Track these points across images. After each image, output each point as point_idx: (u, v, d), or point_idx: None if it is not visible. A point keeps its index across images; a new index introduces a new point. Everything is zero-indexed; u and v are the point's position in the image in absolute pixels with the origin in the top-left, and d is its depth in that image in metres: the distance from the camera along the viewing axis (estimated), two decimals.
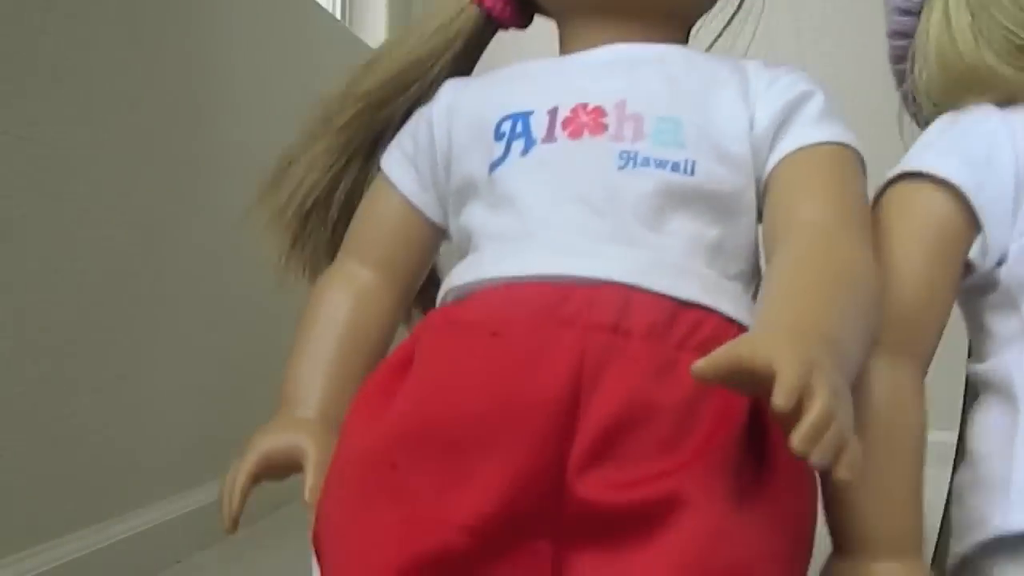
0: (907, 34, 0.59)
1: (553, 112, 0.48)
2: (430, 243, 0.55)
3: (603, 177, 0.46)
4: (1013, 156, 0.51)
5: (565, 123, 0.47)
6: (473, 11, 0.57)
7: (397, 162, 0.55)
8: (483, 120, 0.50)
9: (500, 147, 0.49)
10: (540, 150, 0.47)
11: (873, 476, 0.44)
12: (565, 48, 0.55)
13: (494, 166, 0.49)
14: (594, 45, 0.52)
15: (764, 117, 0.48)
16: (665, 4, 0.52)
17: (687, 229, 0.46)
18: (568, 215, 0.46)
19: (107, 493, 1.02)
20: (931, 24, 0.56)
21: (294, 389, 0.53)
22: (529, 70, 0.53)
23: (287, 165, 0.58)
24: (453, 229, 0.53)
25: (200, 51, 1.23)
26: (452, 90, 0.54)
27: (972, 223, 0.50)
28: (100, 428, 1.00)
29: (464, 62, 0.58)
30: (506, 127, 0.49)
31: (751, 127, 0.48)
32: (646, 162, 0.46)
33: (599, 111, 0.47)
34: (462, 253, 0.51)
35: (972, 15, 0.53)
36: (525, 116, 0.48)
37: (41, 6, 0.91)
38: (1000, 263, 0.51)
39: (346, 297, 0.54)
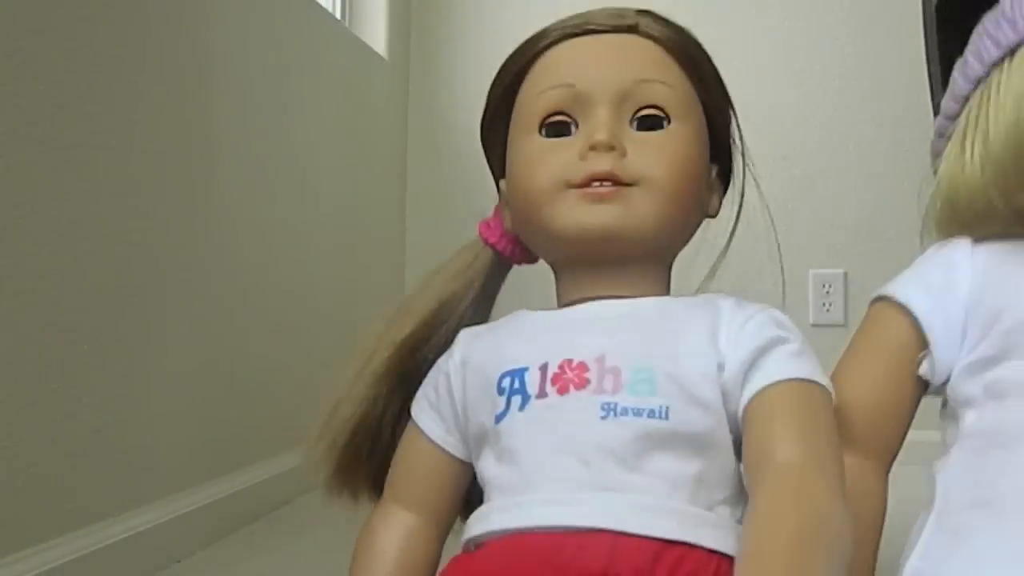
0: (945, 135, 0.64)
1: (544, 368, 0.55)
2: (462, 479, 0.62)
3: (588, 429, 0.52)
4: (968, 288, 0.57)
5: (554, 379, 0.54)
6: (488, 253, 0.67)
7: (423, 410, 0.62)
8: (488, 376, 0.57)
9: (502, 402, 0.55)
10: (535, 406, 0.54)
11: None
12: (562, 298, 0.63)
13: (498, 419, 0.55)
14: (584, 296, 0.59)
15: (735, 361, 0.53)
16: (638, 249, 0.58)
17: (667, 468, 0.51)
18: (560, 467, 0.51)
19: (107, 493, 1.02)
20: (949, 152, 0.61)
21: None
22: (527, 325, 0.60)
23: (336, 405, 0.66)
24: (476, 469, 0.59)
25: (200, 51, 1.23)
26: (464, 343, 0.62)
27: (924, 344, 0.58)
28: (100, 428, 1.00)
29: (484, 298, 0.67)
30: (506, 383, 0.55)
31: (721, 371, 0.53)
32: (624, 411, 0.52)
33: (582, 366, 0.54)
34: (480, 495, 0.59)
35: (985, 147, 0.58)
36: (520, 372, 0.55)
37: (41, 6, 0.91)
38: (947, 381, 0.57)
39: (392, 541, 0.60)
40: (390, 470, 0.64)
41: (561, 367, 0.54)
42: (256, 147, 1.38)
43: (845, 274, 1.84)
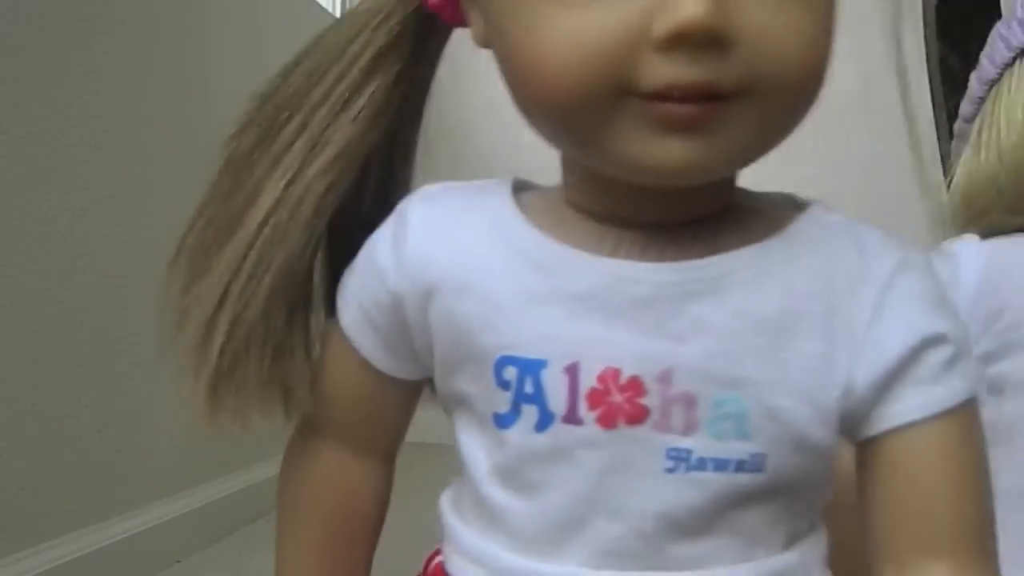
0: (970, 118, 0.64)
1: (572, 372, 0.36)
2: (413, 396, 0.44)
3: (645, 487, 0.35)
4: (973, 285, 0.57)
5: (592, 398, 0.35)
6: (413, 17, 0.44)
7: (357, 324, 0.41)
8: (474, 347, 0.37)
9: (505, 400, 0.37)
10: (561, 434, 0.36)
11: None
12: (575, 187, 0.39)
13: (501, 422, 0.37)
14: (618, 210, 0.37)
15: (866, 381, 0.35)
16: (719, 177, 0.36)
17: (748, 524, 0.36)
18: (604, 535, 0.36)
19: (107, 493, 1.02)
20: (966, 154, 0.62)
21: None
22: (535, 264, 0.37)
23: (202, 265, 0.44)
24: (439, 388, 0.41)
25: (200, 51, 1.23)
26: (433, 246, 0.39)
27: None
28: (100, 428, 1.00)
29: (411, 67, 0.45)
30: (510, 376, 0.36)
31: (845, 397, 0.35)
32: (701, 464, 0.35)
33: (636, 385, 0.35)
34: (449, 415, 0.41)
35: (998, 145, 0.59)
36: (535, 368, 0.36)
37: (41, 6, 0.91)
38: None
39: (330, 490, 0.45)
40: (314, 394, 0.43)
41: (603, 380, 0.35)
42: None
43: None
